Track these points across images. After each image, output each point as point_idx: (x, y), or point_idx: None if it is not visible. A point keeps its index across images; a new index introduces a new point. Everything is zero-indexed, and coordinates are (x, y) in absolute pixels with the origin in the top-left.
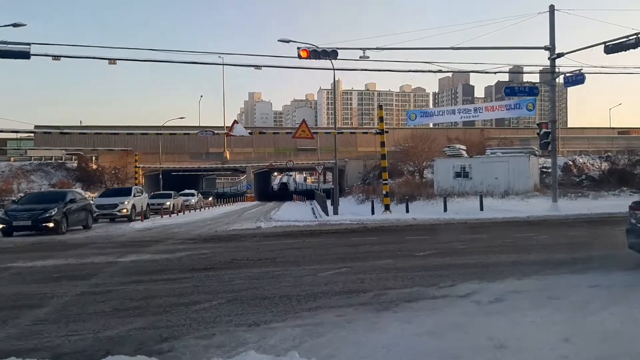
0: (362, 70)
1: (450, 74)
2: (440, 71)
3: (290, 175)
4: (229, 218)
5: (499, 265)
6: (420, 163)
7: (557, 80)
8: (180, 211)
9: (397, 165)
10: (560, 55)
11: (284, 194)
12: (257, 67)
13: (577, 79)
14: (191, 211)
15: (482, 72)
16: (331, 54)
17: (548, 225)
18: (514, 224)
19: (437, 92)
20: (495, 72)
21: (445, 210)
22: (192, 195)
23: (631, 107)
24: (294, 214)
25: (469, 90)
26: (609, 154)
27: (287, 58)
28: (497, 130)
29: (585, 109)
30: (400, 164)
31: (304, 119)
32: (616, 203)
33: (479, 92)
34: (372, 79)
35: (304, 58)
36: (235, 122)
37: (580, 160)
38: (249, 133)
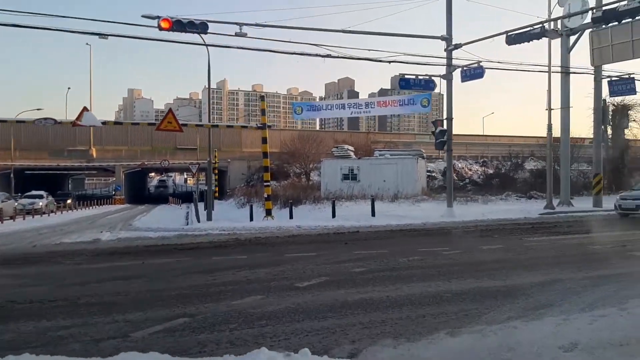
0: (237, 48)
1: (336, 80)
2: (329, 56)
3: (170, 176)
4: (77, 225)
5: (416, 303)
6: (307, 165)
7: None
8: (12, 217)
9: (283, 167)
10: (457, 46)
11: (161, 197)
12: (103, 35)
13: (475, 72)
14: (35, 216)
15: (375, 60)
16: (200, 27)
17: (450, 235)
18: (412, 233)
19: (323, 96)
20: (389, 62)
21: (333, 216)
22: (40, 197)
23: (503, 116)
24: (162, 220)
25: (354, 95)
26: (485, 159)
27: (144, 27)
28: (381, 134)
29: (459, 117)
30: (287, 165)
31: (170, 108)
32: (507, 208)
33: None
34: (259, 79)
35: (165, 29)
36: (84, 109)
37: (460, 165)
38: (102, 123)
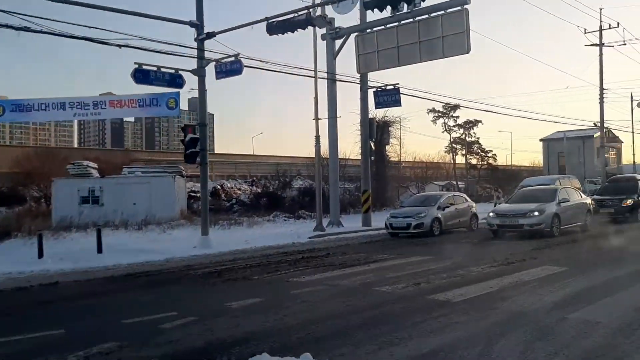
0: None
1: (97, 94)
2: (26, 29)
3: None
4: None
5: None
6: (47, 187)
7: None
8: None
9: (18, 189)
10: (210, 35)
11: None
12: None
13: (232, 67)
14: None
15: (98, 42)
16: None
17: (193, 281)
18: (140, 281)
19: None
20: (119, 46)
21: (40, 255)
22: None
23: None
24: None
25: None
26: (254, 178)
27: None
28: (146, 152)
29: (228, 137)
30: (22, 188)
31: None
32: (275, 231)
33: None
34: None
35: None
36: None
37: (229, 184)
38: None
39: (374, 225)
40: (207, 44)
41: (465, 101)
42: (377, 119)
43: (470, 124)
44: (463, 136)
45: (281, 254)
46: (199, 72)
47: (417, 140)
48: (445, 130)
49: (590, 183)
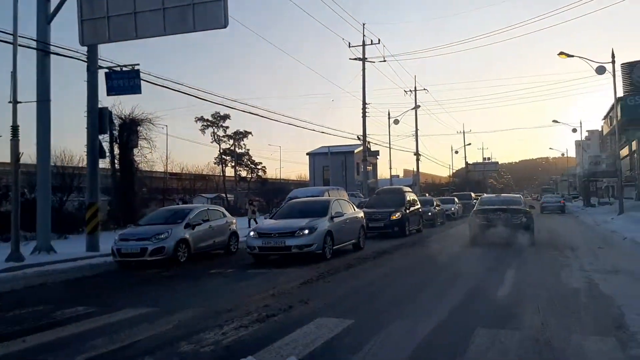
0: None
1: None
2: None
3: None
4: None
5: None
6: None
7: None
8: None
9: None
10: None
11: None
12: None
13: None
14: None
15: None
16: None
17: None
18: None
19: None
20: None
21: None
22: None
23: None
24: None
25: None
26: None
27: None
28: None
29: None
30: None
31: None
32: None
33: None
34: None
35: None
36: None
37: None
38: None
39: (104, 249)
40: None
41: (237, 102)
42: (122, 115)
43: (240, 135)
44: (233, 147)
45: None
46: None
47: (187, 148)
48: (215, 140)
49: (351, 196)
